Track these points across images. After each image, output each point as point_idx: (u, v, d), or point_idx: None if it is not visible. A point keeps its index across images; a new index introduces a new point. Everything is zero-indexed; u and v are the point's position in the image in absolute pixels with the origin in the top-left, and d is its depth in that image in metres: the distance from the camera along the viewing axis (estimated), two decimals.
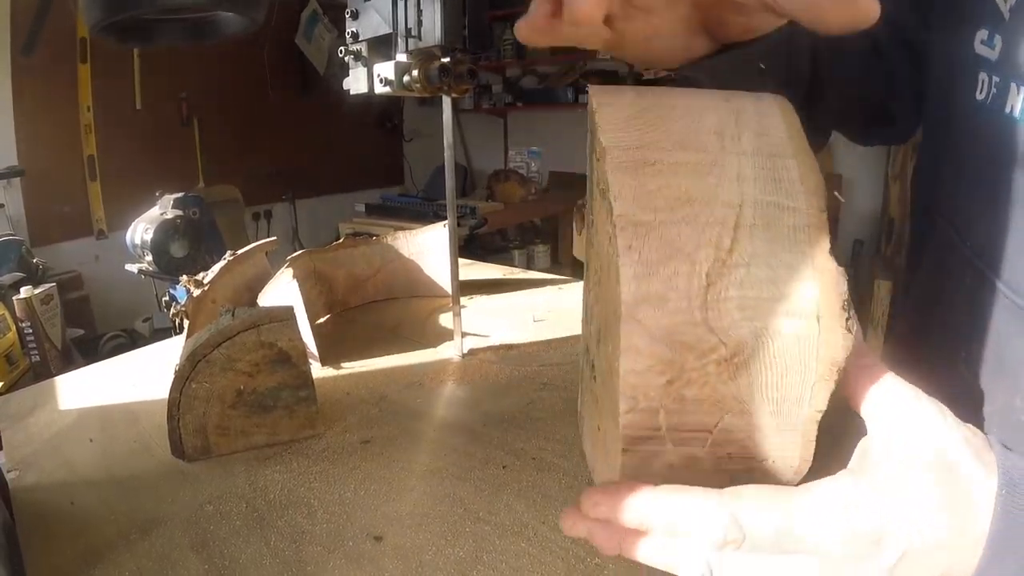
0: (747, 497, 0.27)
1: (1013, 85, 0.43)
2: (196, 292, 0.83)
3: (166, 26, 0.83)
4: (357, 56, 0.77)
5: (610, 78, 4.32)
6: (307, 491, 0.59)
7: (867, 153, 3.49)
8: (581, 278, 1.21)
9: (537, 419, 0.70)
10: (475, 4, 0.73)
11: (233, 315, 0.65)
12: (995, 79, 0.45)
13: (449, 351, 0.88)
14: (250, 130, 4.01)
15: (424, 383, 0.80)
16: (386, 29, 0.73)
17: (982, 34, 0.47)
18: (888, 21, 0.36)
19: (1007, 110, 0.44)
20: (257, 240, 1.05)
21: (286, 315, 0.65)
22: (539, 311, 1.04)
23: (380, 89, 0.75)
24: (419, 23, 0.72)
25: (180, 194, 2.36)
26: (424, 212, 3.39)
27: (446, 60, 0.73)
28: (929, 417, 0.28)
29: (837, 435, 0.30)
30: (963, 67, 0.48)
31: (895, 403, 0.28)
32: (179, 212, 2.29)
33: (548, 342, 0.92)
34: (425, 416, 0.72)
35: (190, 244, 2.27)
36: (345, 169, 4.64)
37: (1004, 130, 0.43)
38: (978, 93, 0.46)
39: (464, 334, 0.89)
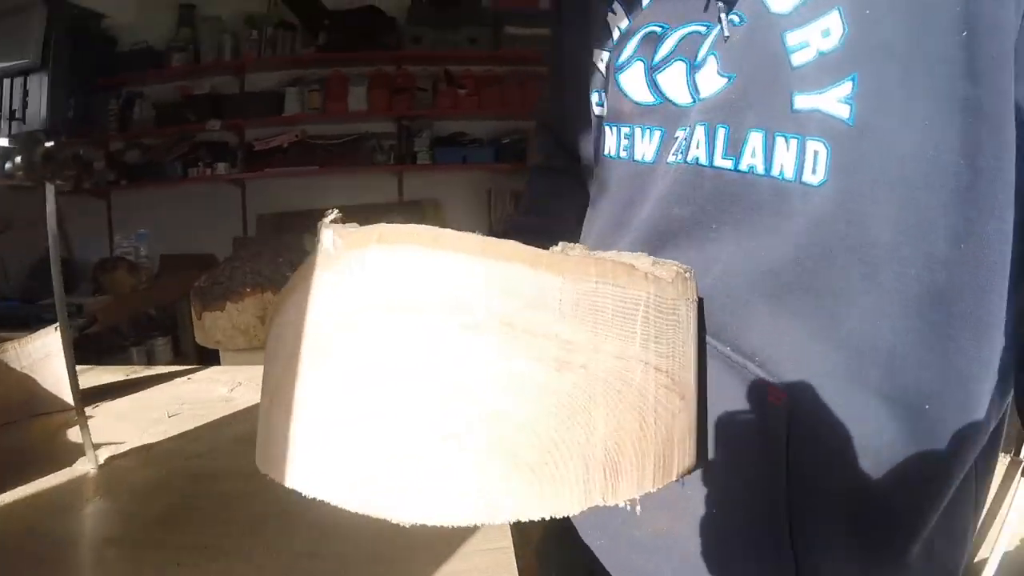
0: None
1: (606, 128, 0.53)
2: None
3: None
4: None
5: (221, 149, 4.19)
6: None
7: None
8: (208, 364, 1.17)
9: (198, 509, 0.70)
10: (82, 76, 0.68)
11: None
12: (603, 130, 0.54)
13: (85, 466, 0.81)
14: None
15: (68, 506, 0.73)
16: None
17: (596, 96, 0.55)
18: None
19: (605, 152, 0.52)
20: None
21: None
22: (172, 405, 1.00)
23: None
24: (24, 104, 0.65)
25: None
26: (25, 316, 2.89)
27: (50, 144, 0.67)
28: None
29: None
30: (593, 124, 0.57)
31: None
32: None
33: (188, 434, 0.90)
34: (78, 539, 0.67)
35: None
36: None
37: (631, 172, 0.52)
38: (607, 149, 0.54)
39: (97, 445, 0.82)
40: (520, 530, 0.56)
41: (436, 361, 0.27)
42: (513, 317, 0.27)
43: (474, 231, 0.28)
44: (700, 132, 0.44)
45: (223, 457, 0.82)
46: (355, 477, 0.28)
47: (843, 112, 0.39)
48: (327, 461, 0.29)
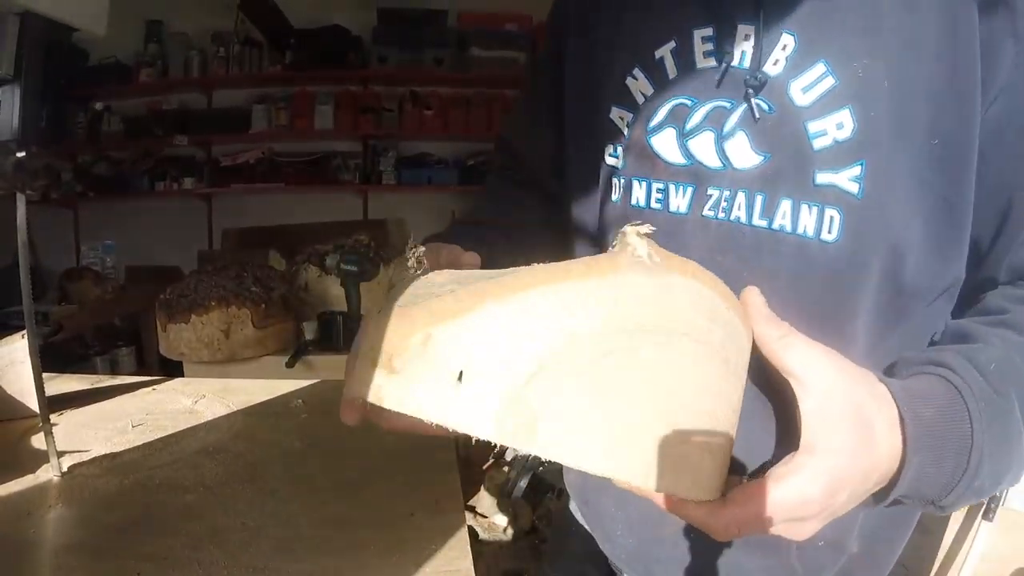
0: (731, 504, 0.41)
1: (634, 182, 0.61)
2: None
3: None
4: None
5: (188, 164, 4.19)
6: None
7: None
8: (172, 376, 1.18)
9: (159, 519, 0.71)
10: (54, 89, 0.71)
11: None
12: (622, 181, 0.61)
13: (48, 473, 0.85)
14: None
15: (31, 511, 0.75)
16: None
17: (610, 148, 0.63)
18: None
19: (632, 202, 0.62)
20: None
21: None
22: (136, 416, 1.03)
23: None
24: None
25: None
26: None
27: (21, 154, 0.69)
28: (834, 374, 0.43)
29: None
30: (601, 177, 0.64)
31: (810, 369, 0.42)
32: None
33: (152, 444, 0.92)
34: (40, 546, 0.68)
35: None
36: None
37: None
38: (613, 195, 0.63)
39: (61, 453, 0.86)
40: (482, 554, 0.60)
41: (681, 362, 0.38)
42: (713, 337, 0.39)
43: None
44: (741, 197, 0.55)
45: (186, 468, 0.84)
46: (605, 444, 0.36)
47: (853, 188, 0.50)
48: (582, 431, 0.35)
